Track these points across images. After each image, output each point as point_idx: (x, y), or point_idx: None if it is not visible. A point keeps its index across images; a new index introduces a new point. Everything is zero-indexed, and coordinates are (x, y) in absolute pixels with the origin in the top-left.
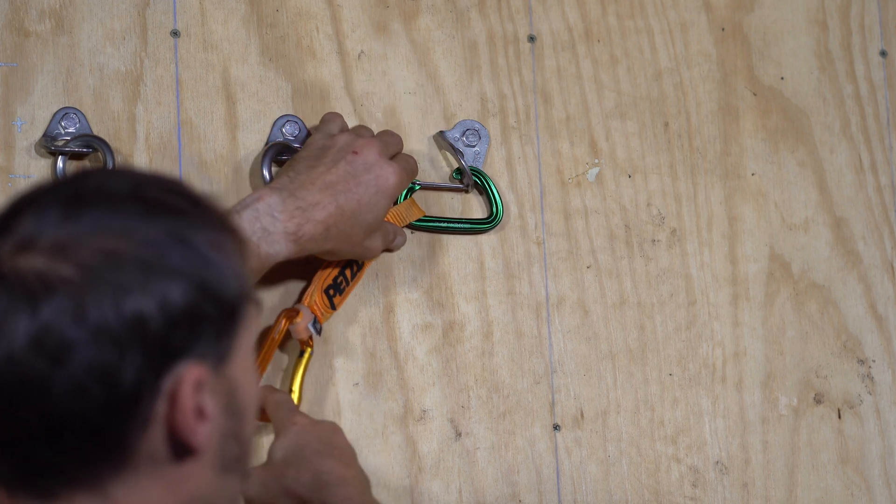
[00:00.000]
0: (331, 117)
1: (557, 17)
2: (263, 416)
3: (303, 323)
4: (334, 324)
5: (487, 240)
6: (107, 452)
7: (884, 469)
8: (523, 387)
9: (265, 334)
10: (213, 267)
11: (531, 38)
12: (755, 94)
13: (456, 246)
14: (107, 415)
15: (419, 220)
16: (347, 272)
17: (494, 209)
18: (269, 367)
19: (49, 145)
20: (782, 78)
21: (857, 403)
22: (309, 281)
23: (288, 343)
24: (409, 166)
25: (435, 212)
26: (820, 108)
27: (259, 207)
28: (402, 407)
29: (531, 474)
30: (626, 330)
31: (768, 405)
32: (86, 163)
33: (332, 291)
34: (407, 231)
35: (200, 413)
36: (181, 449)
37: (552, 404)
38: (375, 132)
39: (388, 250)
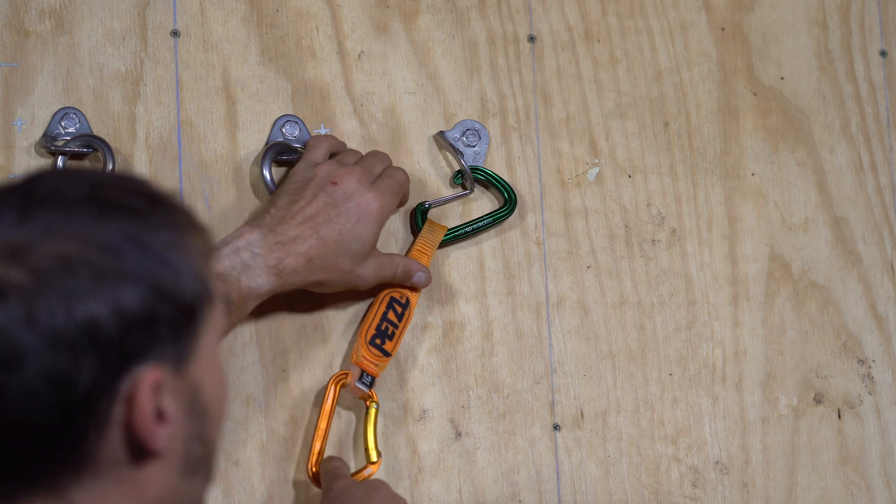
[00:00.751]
0: (316, 143)
1: (557, 17)
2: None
3: (352, 382)
4: (335, 324)
5: (487, 240)
6: (65, 457)
7: (884, 469)
8: (523, 387)
9: (320, 402)
10: (170, 268)
11: (531, 38)
12: (755, 94)
13: (456, 246)
14: (63, 420)
15: (447, 235)
16: (391, 315)
17: (506, 195)
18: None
19: (49, 145)
20: (782, 78)
21: (857, 403)
22: (353, 339)
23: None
24: (392, 187)
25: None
26: (820, 108)
27: (239, 244)
28: (402, 407)
29: (531, 474)
30: (626, 330)
31: (768, 405)
32: (86, 163)
33: (379, 340)
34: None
35: (160, 416)
36: (141, 452)
37: (552, 404)
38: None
39: (413, 288)
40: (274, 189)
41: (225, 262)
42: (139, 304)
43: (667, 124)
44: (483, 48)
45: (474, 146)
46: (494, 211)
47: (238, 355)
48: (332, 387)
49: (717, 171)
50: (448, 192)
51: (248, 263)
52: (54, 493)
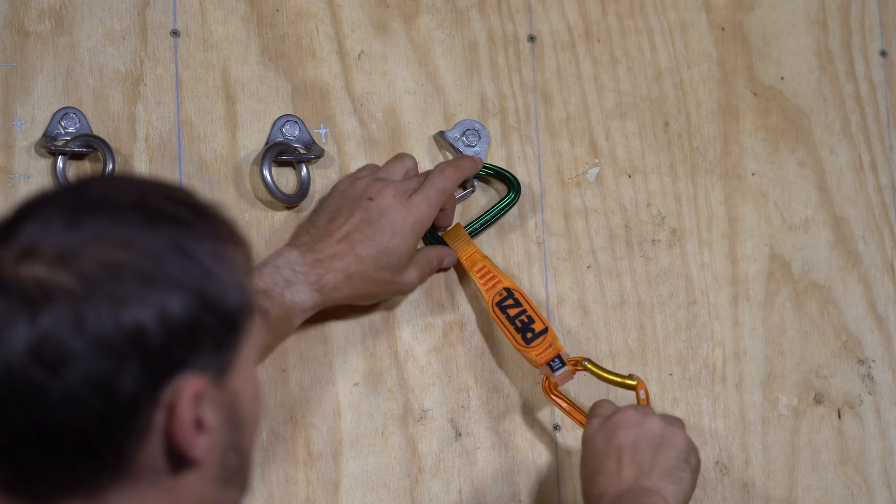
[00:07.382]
0: (372, 167)
1: (557, 17)
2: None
3: (555, 377)
4: (334, 324)
5: (487, 240)
6: (104, 462)
7: (884, 469)
8: (523, 387)
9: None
10: (215, 279)
11: (531, 38)
12: (755, 94)
13: None
14: (104, 425)
15: (470, 230)
16: (511, 311)
17: (509, 180)
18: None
19: (49, 145)
20: (782, 78)
21: (857, 403)
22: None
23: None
24: (430, 199)
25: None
26: (820, 108)
27: (279, 263)
28: (402, 407)
29: (531, 474)
30: (626, 330)
31: (768, 405)
32: (86, 163)
33: (529, 334)
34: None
35: (200, 425)
36: (180, 460)
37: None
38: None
39: (442, 270)
40: (277, 192)
41: (266, 279)
42: (184, 313)
43: (667, 124)
44: (483, 48)
45: (474, 146)
46: (502, 199)
47: None
48: (552, 397)
49: (717, 171)
50: None
51: (289, 280)
52: (92, 497)
